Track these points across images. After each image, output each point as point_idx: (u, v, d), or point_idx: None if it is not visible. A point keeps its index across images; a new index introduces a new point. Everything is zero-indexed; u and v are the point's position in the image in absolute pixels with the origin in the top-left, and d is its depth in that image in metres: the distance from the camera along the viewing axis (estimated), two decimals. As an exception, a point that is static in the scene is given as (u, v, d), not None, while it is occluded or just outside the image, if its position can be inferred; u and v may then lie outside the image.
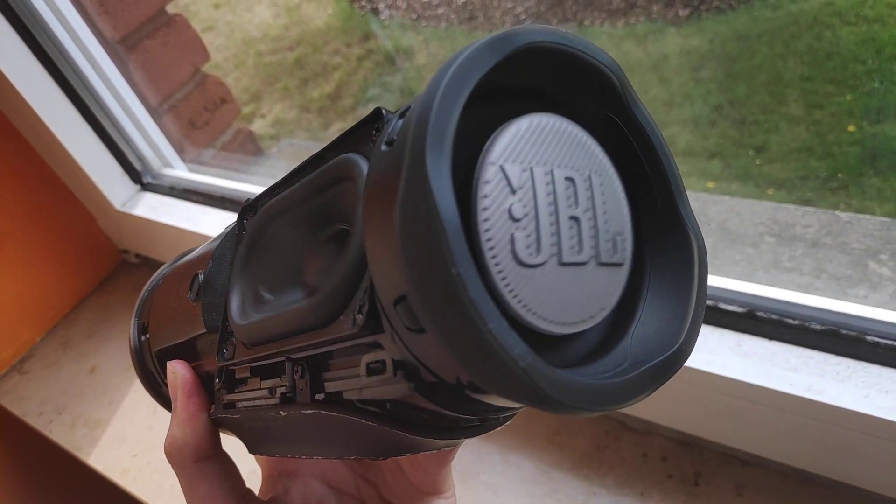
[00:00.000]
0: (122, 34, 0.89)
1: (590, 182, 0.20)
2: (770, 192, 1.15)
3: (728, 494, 0.57)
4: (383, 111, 0.22)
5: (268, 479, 0.36)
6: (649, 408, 0.61)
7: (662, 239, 0.22)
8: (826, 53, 1.18)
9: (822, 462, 0.53)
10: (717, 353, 0.51)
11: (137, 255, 1.01)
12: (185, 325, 0.31)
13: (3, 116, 0.84)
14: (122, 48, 0.89)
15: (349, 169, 0.22)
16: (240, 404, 0.28)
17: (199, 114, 1.03)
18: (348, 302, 0.20)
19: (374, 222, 0.18)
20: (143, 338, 0.37)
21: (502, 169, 0.18)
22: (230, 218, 0.81)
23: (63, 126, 0.83)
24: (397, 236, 0.17)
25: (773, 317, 0.50)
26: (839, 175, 1.06)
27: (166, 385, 0.36)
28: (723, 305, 0.53)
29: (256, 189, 0.82)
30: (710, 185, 1.21)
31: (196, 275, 0.30)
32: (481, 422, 0.23)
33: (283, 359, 0.25)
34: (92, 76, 0.84)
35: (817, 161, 1.10)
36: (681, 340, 0.20)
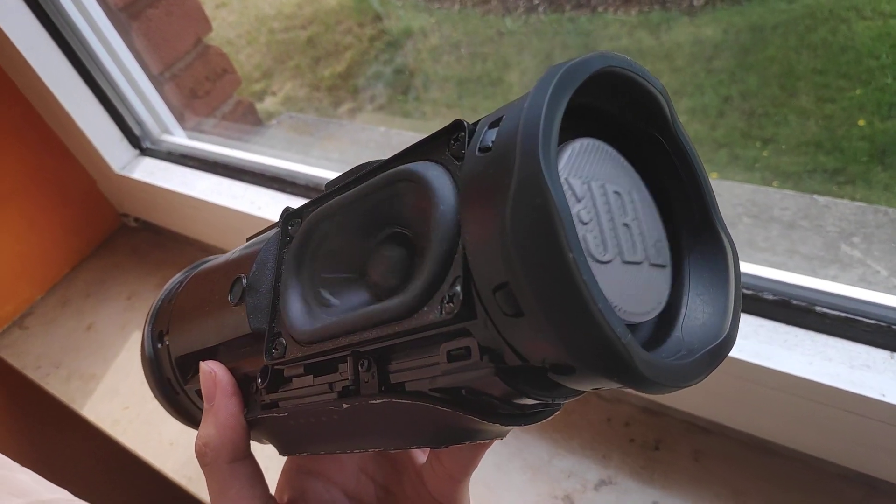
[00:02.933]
0: (126, 1, 0.91)
1: (631, 197, 0.23)
2: (775, 184, 1.15)
3: (686, 460, 0.59)
4: (465, 123, 0.23)
5: (287, 471, 0.36)
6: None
7: (699, 244, 0.24)
8: (840, 47, 1.18)
9: (774, 429, 0.55)
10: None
11: (136, 220, 1.03)
12: (223, 328, 0.31)
13: (7, 78, 0.87)
14: (125, 16, 0.91)
15: (410, 172, 0.24)
16: (286, 403, 0.29)
17: (201, 83, 1.06)
18: (432, 294, 0.22)
19: (477, 217, 0.20)
20: (159, 345, 0.37)
21: (567, 181, 0.20)
22: (224, 183, 0.83)
23: (65, 90, 0.85)
24: (508, 228, 0.18)
25: (729, 286, 0.52)
26: (847, 169, 1.06)
27: (183, 392, 0.37)
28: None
29: (252, 157, 0.84)
30: (715, 175, 1.21)
31: (238, 279, 0.30)
32: (544, 407, 0.25)
33: (344, 353, 0.25)
34: (94, 42, 0.86)
35: (825, 155, 1.10)
36: (727, 329, 0.23)
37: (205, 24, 1.05)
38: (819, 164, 1.11)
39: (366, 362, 0.25)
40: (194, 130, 1.01)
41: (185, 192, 0.84)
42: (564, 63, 0.20)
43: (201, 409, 0.35)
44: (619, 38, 1.53)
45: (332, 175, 0.79)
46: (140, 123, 0.92)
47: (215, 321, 0.32)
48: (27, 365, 0.90)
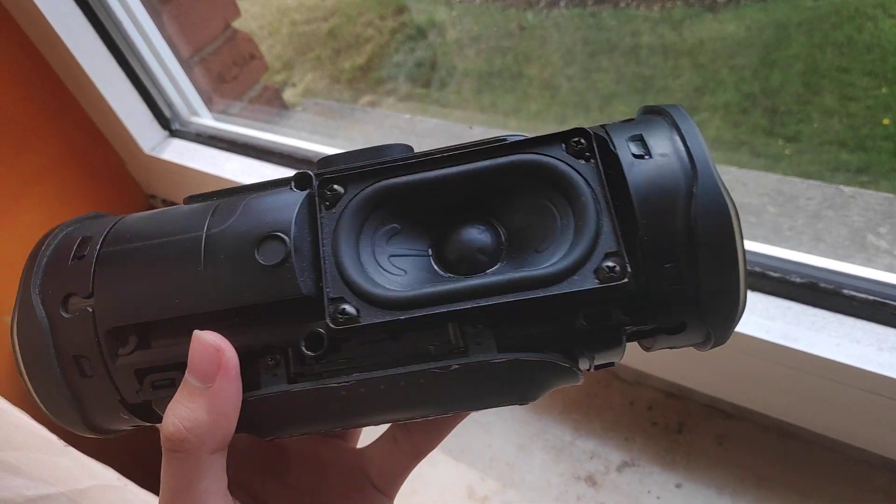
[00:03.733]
0: (158, -15, 0.93)
1: None
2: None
3: (708, 444, 0.60)
4: (589, 131, 0.28)
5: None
6: (639, 358, 0.64)
7: None
8: (866, 45, 1.18)
9: (799, 412, 0.55)
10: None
11: (164, 201, 1.05)
12: (241, 291, 0.28)
13: (43, 59, 0.89)
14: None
15: (557, 171, 0.28)
16: (348, 372, 0.28)
17: (229, 68, 1.07)
18: (580, 268, 0.26)
19: (659, 208, 0.26)
20: (66, 314, 0.30)
21: None
22: (252, 164, 0.85)
23: (99, 70, 0.87)
24: (695, 221, 0.25)
25: (756, 269, 0.52)
26: (871, 168, 1.06)
27: (106, 373, 0.29)
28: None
29: (281, 139, 0.85)
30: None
31: (275, 237, 0.28)
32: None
33: (448, 319, 0.27)
34: (128, 25, 0.87)
35: (849, 154, 1.10)
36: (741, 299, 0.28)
37: (233, 8, 1.06)
38: (842, 162, 1.10)
39: (479, 325, 0.27)
40: (222, 114, 1.03)
41: (214, 172, 0.85)
42: (680, 106, 0.29)
43: (122, 400, 0.30)
44: (640, 34, 1.52)
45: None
46: (170, 105, 0.94)
47: (232, 283, 0.28)
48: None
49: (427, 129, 1.06)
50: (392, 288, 0.28)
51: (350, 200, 0.29)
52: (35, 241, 0.33)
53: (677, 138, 0.27)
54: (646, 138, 0.28)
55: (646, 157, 0.27)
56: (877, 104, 1.12)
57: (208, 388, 0.26)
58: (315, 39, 2.06)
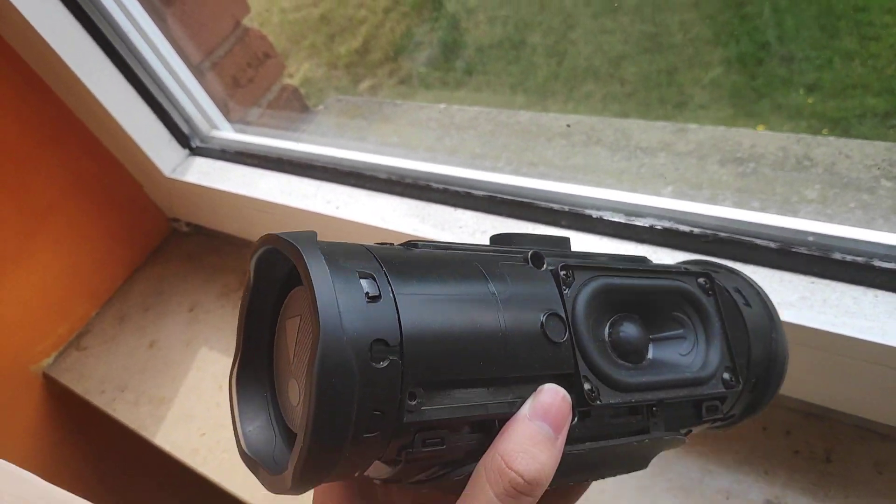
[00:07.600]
0: (159, -14, 0.83)
1: None
2: (825, 132, 1.07)
3: (866, 473, 0.52)
4: (712, 276, 0.37)
5: None
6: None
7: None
8: None
9: None
10: (871, 318, 0.45)
11: (188, 224, 0.96)
12: (533, 362, 0.30)
13: (41, 80, 0.79)
14: (160, 1, 0.83)
15: (698, 298, 0.36)
16: (583, 443, 0.31)
17: (243, 70, 0.97)
18: (716, 373, 0.34)
19: (761, 339, 0.37)
20: (381, 363, 0.26)
21: None
22: (289, 181, 0.75)
23: (105, 88, 0.77)
24: (773, 356, 0.38)
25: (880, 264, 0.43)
26: None
27: (375, 430, 0.26)
28: (837, 256, 0.48)
29: (320, 150, 0.75)
30: (761, 128, 1.18)
31: (556, 315, 0.31)
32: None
33: (647, 402, 0.32)
34: (132, 33, 0.78)
35: (874, 98, 1.06)
36: None
37: (242, 4, 0.96)
38: (868, 107, 1.05)
39: (655, 408, 0.33)
40: (240, 123, 0.93)
41: (248, 193, 0.76)
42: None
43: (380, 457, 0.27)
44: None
45: (405, 163, 0.70)
46: (187, 120, 0.84)
47: (526, 354, 0.30)
48: (90, 389, 0.83)
49: (467, 119, 0.96)
50: (631, 374, 0.32)
51: (582, 287, 0.32)
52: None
53: (760, 296, 0.39)
54: (741, 291, 0.38)
55: (749, 305, 0.38)
56: (899, 43, 1.06)
57: (557, 437, 0.29)
58: (307, 26, 2.00)
